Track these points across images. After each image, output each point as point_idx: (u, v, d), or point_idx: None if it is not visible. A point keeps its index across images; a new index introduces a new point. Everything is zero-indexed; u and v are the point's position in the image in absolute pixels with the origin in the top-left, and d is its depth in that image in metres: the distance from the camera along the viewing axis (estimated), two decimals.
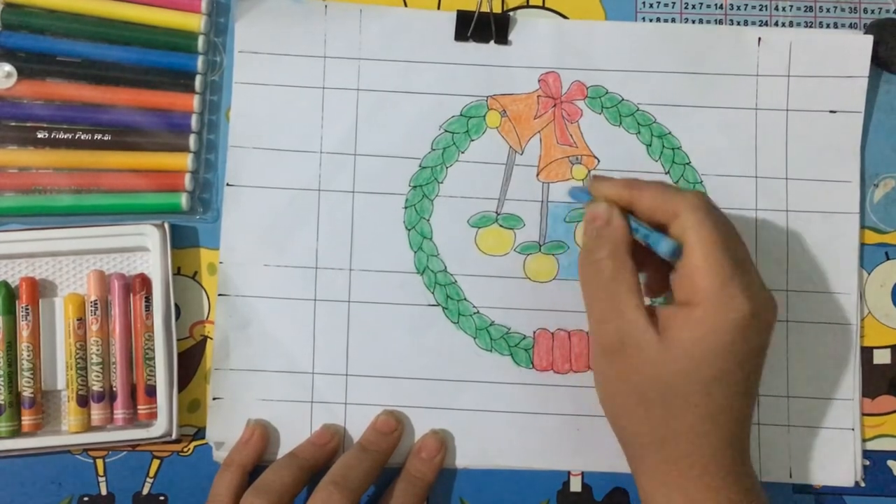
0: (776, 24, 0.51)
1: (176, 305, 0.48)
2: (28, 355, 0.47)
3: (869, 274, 0.50)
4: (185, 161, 0.49)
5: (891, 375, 0.49)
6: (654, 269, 0.44)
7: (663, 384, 0.39)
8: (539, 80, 0.50)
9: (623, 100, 0.50)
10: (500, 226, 0.49)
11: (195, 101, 0.49)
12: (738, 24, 0.51)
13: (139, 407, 0.47)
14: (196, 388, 0.49)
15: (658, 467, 0.41)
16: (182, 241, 0.49)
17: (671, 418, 0.39)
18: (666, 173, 0.49)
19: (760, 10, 0.51)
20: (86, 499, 0.48)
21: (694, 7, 0.51)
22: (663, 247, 0.39)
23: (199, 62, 0.49)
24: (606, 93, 0.50)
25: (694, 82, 0.50)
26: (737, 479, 0.40)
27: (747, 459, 0.41)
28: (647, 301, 0.41)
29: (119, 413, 0.47)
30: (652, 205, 0.40)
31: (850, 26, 0.51)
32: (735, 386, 0.39)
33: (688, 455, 0.39)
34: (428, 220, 0.49)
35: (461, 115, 0.50)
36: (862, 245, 0.50)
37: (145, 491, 0.48)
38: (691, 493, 0.40)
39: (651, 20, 0.51)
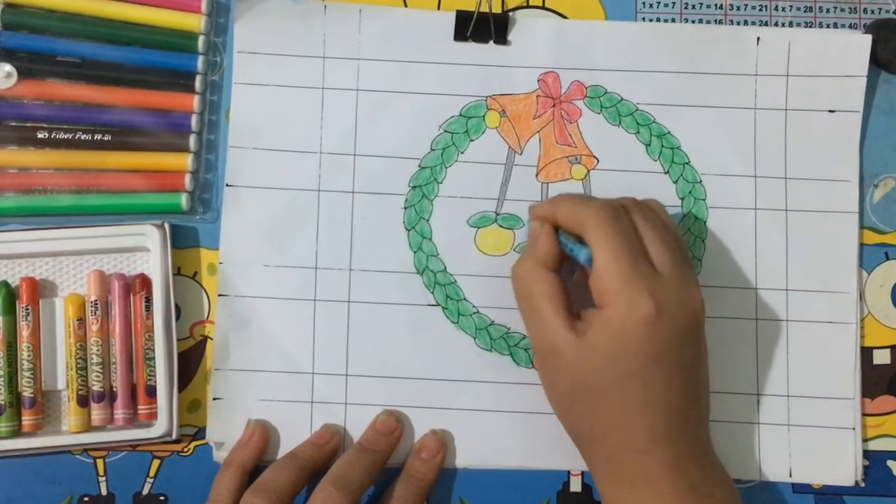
0: (776, 24, 0.51)
1: (176, 305, 0.49)
2: (28, 355, 0.47)
3: (869, 274, 0.50)
4: (185, 161, 0.49)
5: (891, 375, 0.49)
6: None
7: (584, 383, 0.42)
8: (538, 80, 0.50)
9: (622, 99, 0.50)
10: (500, 226, 0.49)
11: (195, 102, 0.49)
12: (738, 24, 0.51)
13: (139, 407, 0.47)
14: (196, 389, 0.49)
15: (599, 463, 0.43)
16: (182, 241, 0.49)
17: (596, 415, 0.42)
18: (665, 173, 0.50)
19: (760, 10, 0.51)
20: (86, 499, 0.48)
21: (694, 7, 0.51)
22: (580, 256, 0.42)
23: (199, 62, 0.49)
24: (605, 92, 0.50)
25: (693, 82, 0.50)
26: (677, 474, 0.41)
27: (693, 455, 0.42)
28: None
29: (119, 413, 0.47)
30: (566, 219, 0.44)
31: (850, 26, 0.51)
32: (654, 382, 0.41)
33: (619, 451, 0.42)
34: (427, 221, 0.49)
35: (460, 115, 0.50)
36: (861, 245, 0.50)
37: (145, 491, 0.48)
38: (634, 488, 0.41)
39: (651, 20, 0.51)
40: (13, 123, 0.49)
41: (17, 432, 0.47)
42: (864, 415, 0.49)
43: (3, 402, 0.46)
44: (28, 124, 0.49)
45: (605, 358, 0.41)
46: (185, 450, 0.48)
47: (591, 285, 0.42)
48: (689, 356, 0.42)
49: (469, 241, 0.49)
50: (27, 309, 0.47)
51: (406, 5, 0.51)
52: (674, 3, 0.51)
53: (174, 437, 0.47)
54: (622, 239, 0.41)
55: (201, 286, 0.49)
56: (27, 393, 0.47)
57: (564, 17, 0.51)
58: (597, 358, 0.41)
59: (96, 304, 0.47)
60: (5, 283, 0.47)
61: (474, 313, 0.49)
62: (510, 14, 0.50)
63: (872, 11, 0.51)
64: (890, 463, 0.49)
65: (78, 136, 0.48)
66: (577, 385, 0.42)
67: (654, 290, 0.41)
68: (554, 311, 0.42)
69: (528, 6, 0.51)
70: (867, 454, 0.49)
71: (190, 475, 0.48)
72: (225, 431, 0.48)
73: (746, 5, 0.51)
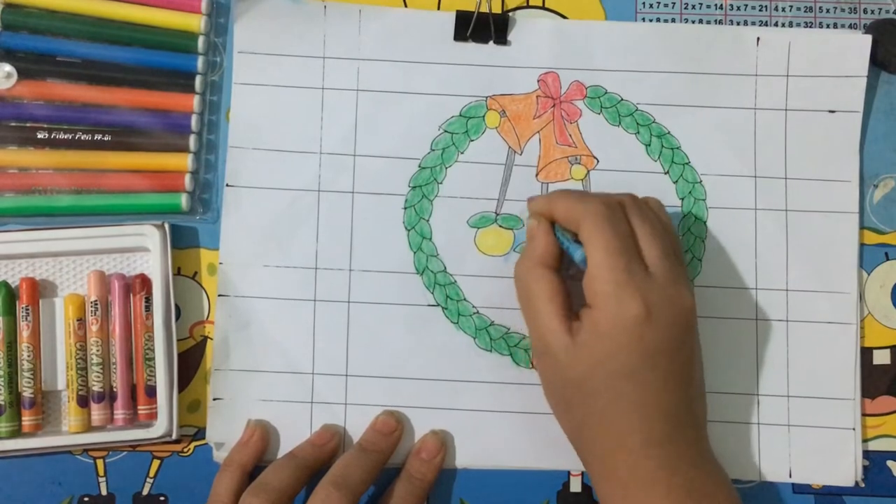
0: (776, 24, 0.51)
1: (176, 306, 0.49)
2: (28, 356, 0.47)
3: (869, 274, 0.50)
4: (186, 161, 0.49)
5: (891, 376, 0.49)
6: None
7: (576, 383, 0.42)
8: (538, 81, 0.50)
9: (622, 100, 0.50)
10: (500, 226, 0.49)
11: (195, 102, 0.49)
12: (738, 24, 0.51)
13: (139, 407, 0.47)
14: (196, 389, 0.49)
15: (595, 463, 0.43)
16: (182, 241, 0.49)
17: (589, 417, 0.42)
18: (665, 173, 0.50)
19: (760, 10, 0.51)
20: (86, 499, 0.48)
21: (694, 7, 0.51)
22: (576, 256, 0.43)
23: (199, 62, 0.49)
24: (605, 93, 0.50)
25: (693, 82, 0.50)
26: (673, 477, 0.41)
27: (690, 458, 0.42)
28: None
29: (119, 413, 0.47)
30: (564, 216, 0.43)
31: (850, 26, 0.51)
32: (647, 385, 0.41)
33: (613, 453, 0.41)
34: (427, 221, 0.49)
35: (460, 115, 0.50)
36: (862, 245, 0.50)
37: (145, 491, 0.48)
38: (629, 490, 0.41)
39: (651, 20, 0.51)
40: (13, 123, 0.49)
41: (17, 432, 0.47)
42: (864, 415, 0.49)
43: (3, 403, 0.46)
44: (28, 124, 0.49)
45: (596, 360, 0.41)
46: (185, 450, 0.48)
47: (584, 285, 0.42)
48: (681, 358, 0.42)
49: (469, 242, 0.49)
50: (27, 309, 0.47)
51: (406, 5, 0.51)
52: (674, 3, 0.51)
53: (174, 437, 0.47)
54: (616, 239, 0.41)
55: (201, 286, 0.49)
56: (27, 393, 0.47)
57: (564, 17, 0.51)
58: (588, 360, 0.41)
59: (96, 304, 0.47)
60: (5, 284, 0.47)
61: (474, 313, 0.49)
62: (510, 14, 0.50)
63: (872, 11, 0.51)
64: (890, 463, 0.49)
65: (78, 136, 0.48)
66: (571, 386, 0.42)
67: (644, 292, 0.40)
68: (552, 312, 0.42)
69: (528, 6, 0.51)
70: (867, 454, 0.49)
71: (190, 475, 0.48)
72: (225, 432, 0.48)
73: (746, 5, 0.51)
